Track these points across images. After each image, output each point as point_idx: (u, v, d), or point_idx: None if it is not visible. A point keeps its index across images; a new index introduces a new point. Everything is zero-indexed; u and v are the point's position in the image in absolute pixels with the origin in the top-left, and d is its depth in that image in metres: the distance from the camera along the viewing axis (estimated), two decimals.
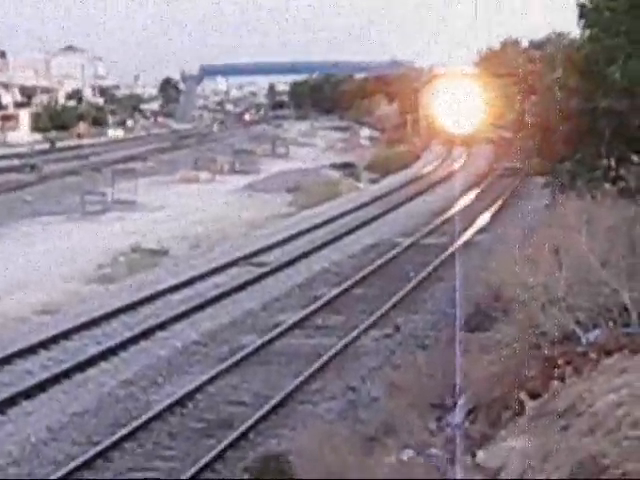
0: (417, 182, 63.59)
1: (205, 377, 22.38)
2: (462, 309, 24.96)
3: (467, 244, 37.75)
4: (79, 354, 23.63)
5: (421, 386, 19.52)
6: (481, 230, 41.40)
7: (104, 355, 23.86)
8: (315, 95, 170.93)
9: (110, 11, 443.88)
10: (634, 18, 20.58)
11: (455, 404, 18.34)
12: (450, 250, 35.60)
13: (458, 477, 14.07)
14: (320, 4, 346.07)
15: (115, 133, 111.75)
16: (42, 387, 21.34)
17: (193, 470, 16.94)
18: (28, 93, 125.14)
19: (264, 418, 19.65)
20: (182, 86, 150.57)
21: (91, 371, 22.78)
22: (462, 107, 43.84)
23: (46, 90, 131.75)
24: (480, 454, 13.71)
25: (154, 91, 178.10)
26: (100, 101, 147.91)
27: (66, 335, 25.08)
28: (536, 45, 64.36)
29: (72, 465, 17.00)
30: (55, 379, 21.81)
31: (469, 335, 21.55)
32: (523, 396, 15.13)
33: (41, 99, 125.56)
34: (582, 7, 21.93)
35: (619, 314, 16.30)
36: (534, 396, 14.96)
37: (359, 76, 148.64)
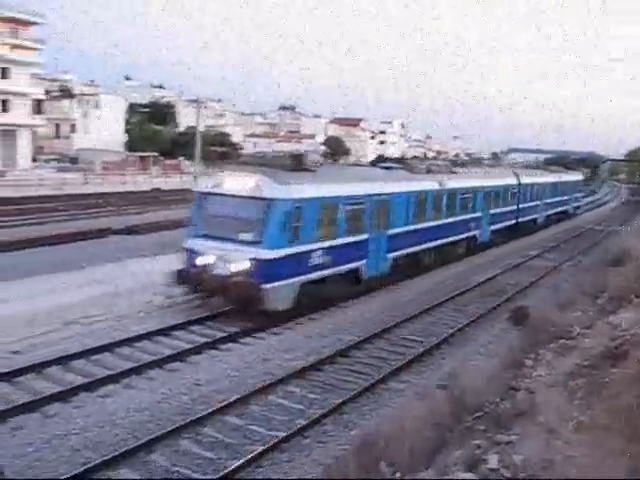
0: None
1: (495, 273, 27.66)
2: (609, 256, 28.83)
3: (614, 231, 45.30)
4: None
5: (590, 285, 22.97)
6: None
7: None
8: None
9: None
10: None
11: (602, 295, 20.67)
12: (605, 233, 44.56)
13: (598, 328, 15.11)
14: None
15: None
16: None
17: (482, 311, 20.59)
18: None
19: (519, 291, 24.33)
20: (500, 155, 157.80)
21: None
22: None
23: None
24: (611, 318, 15.82)
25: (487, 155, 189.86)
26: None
27: None
28: None
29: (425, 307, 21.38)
30: None
31: (611, 268, 25.33)
32: (632, 296, 17.84)
33: None
34: None
35: None
36: (637, 296, 17.65)
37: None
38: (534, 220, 43.52)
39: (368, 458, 9.06)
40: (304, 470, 10.38)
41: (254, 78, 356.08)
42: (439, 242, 27.48)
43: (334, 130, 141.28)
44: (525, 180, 40.58)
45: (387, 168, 26.07)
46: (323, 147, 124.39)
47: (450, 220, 28.48)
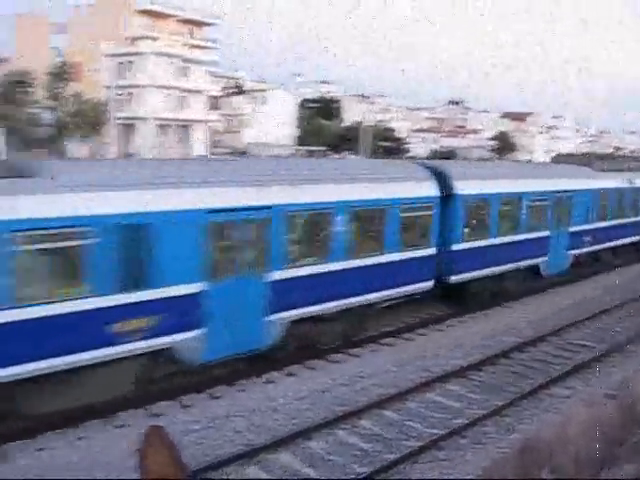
0: None
1: None
2: None
3: None
4: None
5: None
6: None
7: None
8: None
9: None
10: None
11: None
12: None
13: None
14: None
15: None
16: None
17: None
18: None
19: None
20: None
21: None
22: None
23: None
24: None
25: None
26: None
27: None
28: None
29: None
30: None
31: None
32: None
33: None
34: None
35: None
36: None
37: None
38: (534, 269, 22.16)
39: (529, 463, 8.81)
40: (461, 470, 10.26)
41: (424, 73, 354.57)
42: None
43: (503, 125, 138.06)
44: (471, 188, 18.61)
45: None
46: (490, 142, 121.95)
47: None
